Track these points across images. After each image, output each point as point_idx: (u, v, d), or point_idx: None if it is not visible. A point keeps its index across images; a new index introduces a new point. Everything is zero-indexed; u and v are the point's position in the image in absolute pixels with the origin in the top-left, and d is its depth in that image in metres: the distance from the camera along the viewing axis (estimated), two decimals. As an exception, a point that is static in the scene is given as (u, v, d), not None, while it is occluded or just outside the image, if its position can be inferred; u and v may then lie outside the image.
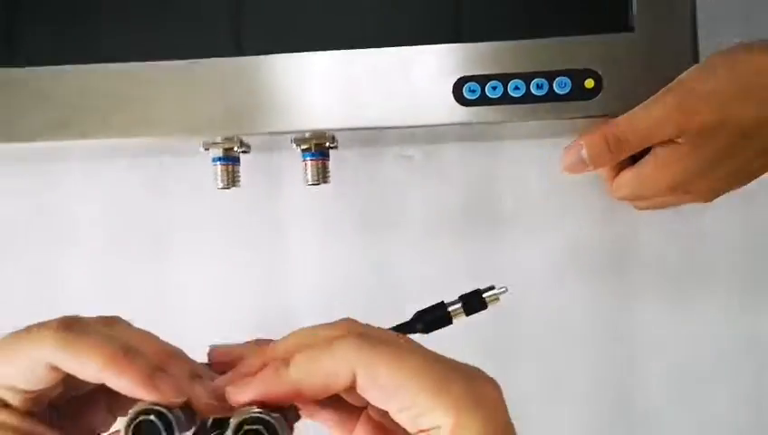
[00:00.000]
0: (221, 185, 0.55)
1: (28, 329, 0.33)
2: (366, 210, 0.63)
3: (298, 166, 0.56)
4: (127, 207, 0.63)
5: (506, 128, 0.57)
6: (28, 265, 0.61)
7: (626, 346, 0.62)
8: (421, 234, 0.63)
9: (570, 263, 0.63)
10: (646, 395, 0.61)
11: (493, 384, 0.33)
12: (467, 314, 0.48)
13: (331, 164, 0.56)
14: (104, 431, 0.38)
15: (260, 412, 0.32)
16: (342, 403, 0.37)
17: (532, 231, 0.63)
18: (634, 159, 0.54)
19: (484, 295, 0.48)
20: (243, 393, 0.33)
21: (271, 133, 0.54)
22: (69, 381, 0.34)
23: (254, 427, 0.32)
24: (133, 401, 0.33)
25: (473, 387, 0.32)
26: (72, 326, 0.33)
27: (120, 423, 0.34)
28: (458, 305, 0.48)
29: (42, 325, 0.33)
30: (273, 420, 0.32)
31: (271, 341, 0.37)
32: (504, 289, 0.49)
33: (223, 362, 0.36)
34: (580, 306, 0.62)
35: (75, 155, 0.61)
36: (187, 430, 0.33)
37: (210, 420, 0.36)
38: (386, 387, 0.31)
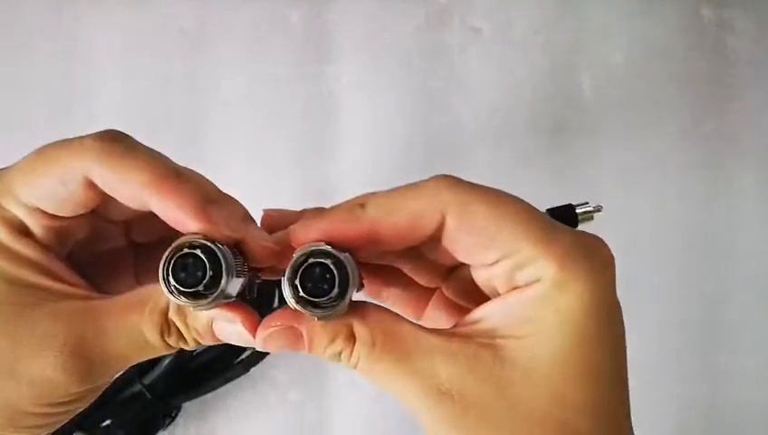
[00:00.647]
0: None
1: (68, 139, 0.28)
2: (424, 90, 0.55)
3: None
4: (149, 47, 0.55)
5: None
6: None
7: (719, 247, 0.55)
8: (488, 118, 0.54)
9: (663, 160, 0.55)
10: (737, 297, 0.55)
11: (605, 243, 0.28)
12: (557, 228, 0.43)
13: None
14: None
15: (329, 247, 0.26)
16: (411, 283, 0.33)
17: (617, 125, 0.55)
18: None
19: (577, 211, 0.43)
20: (310, 228, 0.27)
21: None
22: (100, 215, 0.30)
23: (321, 260, 0.25)
24: None
25: (583, 240, 0.27)
26: (119, 139, 0.28)
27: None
28: (548, 219, 0.43)
29: (85, 135, 0.28)
30: (342, 258, 0.26)
31: None
32: (599, 207, 0.43)
33: (277, 227, 0.30)
34: (674, 208, 0.55)
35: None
36: (235, 278, 0.26)
37: (256, 290, 0.30)
38: (483, 231, 0.26)
